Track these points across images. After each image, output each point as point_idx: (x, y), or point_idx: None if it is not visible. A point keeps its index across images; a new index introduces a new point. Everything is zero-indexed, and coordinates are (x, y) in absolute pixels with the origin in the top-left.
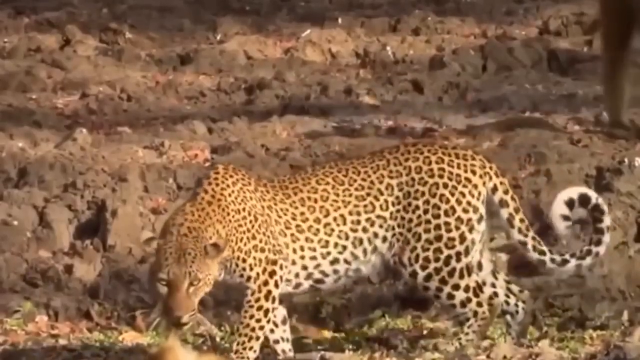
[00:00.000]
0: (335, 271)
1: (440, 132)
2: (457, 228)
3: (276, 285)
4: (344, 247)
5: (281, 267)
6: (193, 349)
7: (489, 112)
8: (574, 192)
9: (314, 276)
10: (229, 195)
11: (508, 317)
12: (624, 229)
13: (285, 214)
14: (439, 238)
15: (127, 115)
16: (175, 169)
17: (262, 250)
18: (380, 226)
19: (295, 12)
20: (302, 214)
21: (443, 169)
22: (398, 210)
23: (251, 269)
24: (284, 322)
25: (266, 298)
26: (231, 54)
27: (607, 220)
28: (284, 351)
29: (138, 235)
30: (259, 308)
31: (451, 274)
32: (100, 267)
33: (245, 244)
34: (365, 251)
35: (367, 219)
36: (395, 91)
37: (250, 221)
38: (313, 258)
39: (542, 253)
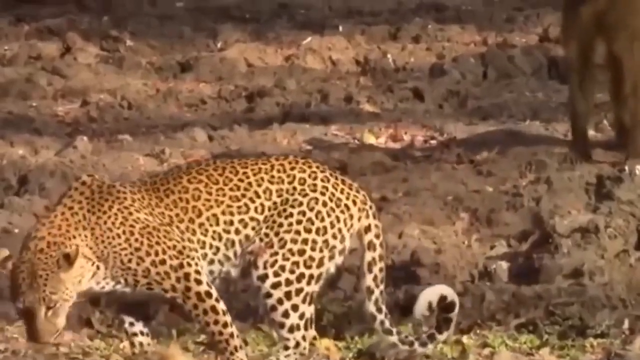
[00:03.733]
0: (211, 272)
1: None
2: (321, 250)
3: (198, 283)
4: (218, 249)
5: (189, 264)
6: (194, 356)
7: (490, 119)
8: (451, 294)
9: None
10: (107, 215)
11: None
12: (624, 237)
13: (163, 217)
14: (302, 252)
15: (127, 123)
16: None
17: (163, 262)
18: (253, 228)
19: (295, 19)
20: (177, 215)
21: (326, 188)
22: (272, 215)
23: (160, 284)
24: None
25: (201, 299)
26: (231, 62)
27: (443, 336)
28: (141, 344)
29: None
30: (205, 312)
31: (298, 292)
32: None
33: (138, 264)
34: (236, 254)
35: (241, 220)
36: (395, 99)
37: (136, 239)
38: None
39: (379, 311)
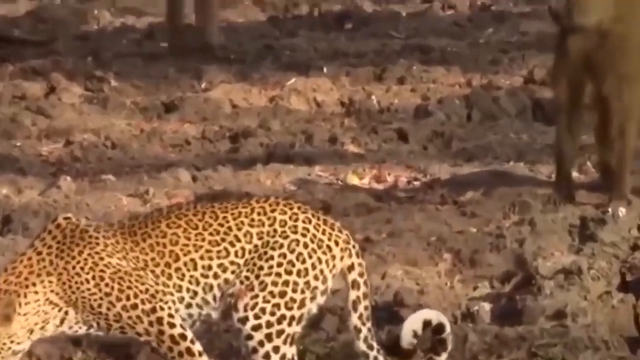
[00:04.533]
0: (190, 315)
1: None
2: (302, 292)
3: (171, 326)
4: (195, 293)
5: (162, 308)
6: None
7: (474, 161)
8: (435, 316)
9: None
10: (76, 260)
11: None
12: (607, 279)
13: (137, 262)
14: (283, 294)
15: (111, 162)
16: None
17: (134, 306)
18: (233, 272)
19: (280, 60)
20: (153, 259)
21: (307, 229)
22: (252, 258)
23: (133, 328)
24: None
25: (175, 342)
26: (216, 102)
27: (443, 357)
28: None
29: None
30: (180, 354)
31: (279, 334)
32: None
33: (108, 309)
34: (215, 297)
35: (220, 265)
36: (380, 140)
37: (107, 284)
38: (172, 302)
39: (370, 347)
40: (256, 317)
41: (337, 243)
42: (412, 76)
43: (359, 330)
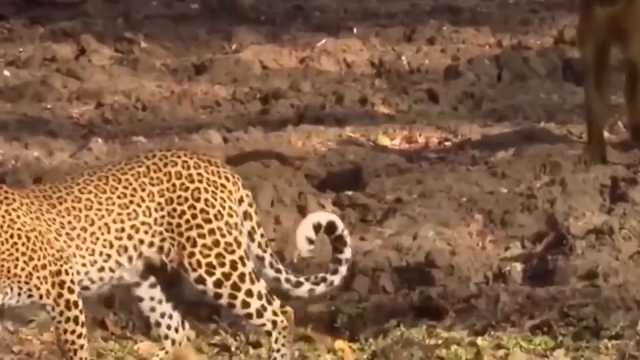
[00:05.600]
0: (101, 278)
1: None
2: (230, 232)
3: (70, 291)
4: (109, 256)
5: (67, 272)
6: (208, 358)
7: (504, 121)
8: (322, 217)
9: (83, 283)
10: None
11: (169, 342)
12: (638, 239)
13: (53, 223)
14: (216, 243)
15: (142, 124)
16: None
17: (44, 266)
18: (146, 232)
19: (310, 22)
20: (69, 222)
21: (201, 175)
22: (163, 217)
23: (38, 289)
24: None
25: (68, 308)
26: (246, 64)
27: (347, 253)
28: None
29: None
30: (67, 320)
31: (242, 279)
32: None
33: (22, 269)
34: (130, 258)
35: (132, 226)
36: (410, 101)
37: (23, 243)
38: (83, 265)
39: (278, 271)
40: (209, 274)
41: (227, 179)
42: (442, 37)
43: (262, 259)
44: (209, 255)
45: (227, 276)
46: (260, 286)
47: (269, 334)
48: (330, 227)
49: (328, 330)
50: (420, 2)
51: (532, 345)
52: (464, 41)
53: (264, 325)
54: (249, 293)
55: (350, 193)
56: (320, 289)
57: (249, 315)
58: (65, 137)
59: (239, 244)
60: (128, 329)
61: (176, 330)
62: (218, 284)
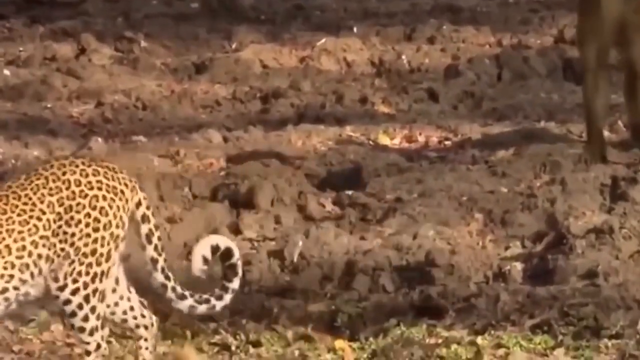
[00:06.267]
0: (6, 299)
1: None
2: (108, 244)
3: None
4: (11, 276)
5: None
6: (208, 357)
7: (504, 120)
8: (222, 241)
9: None
10: None
11: (142, 329)
12: (638, 238)
13: None
14: (93, 252)
15: (142, 124)
16: (190, 177)
17: None
18: (44, 246)
19: (310, 21)
20: None
21: (101, 181)
22: (60, 226)
23: None
24: None
25: None
26: (246, 63)
27: (235, 284)
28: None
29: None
30: None
31: (94, 293)
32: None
33: None
34: (32, 274)
35: (32, 242)
36: (410, 100)
37: None
38: None
39: (167, 278)
40: (74, 281)
41: (126, 185)
42: (442, 36)
43: (155, 261)
44: (83, 264)
45: (85, 286)
46: (101, 307)
47: (87, 353)
48: (227, 254)
49: (328, 330)
50: (421, 1)
51: (532, 345)
52: (464, 40)
53: (88, 344)
54: (93, 309)
55: (350, 192)
56: (201, 309)
57: (82, 329)
58: (65, 137)
59: (108, 258)
60: (127, 329)
61: (142, 316)
62: (75, 291)
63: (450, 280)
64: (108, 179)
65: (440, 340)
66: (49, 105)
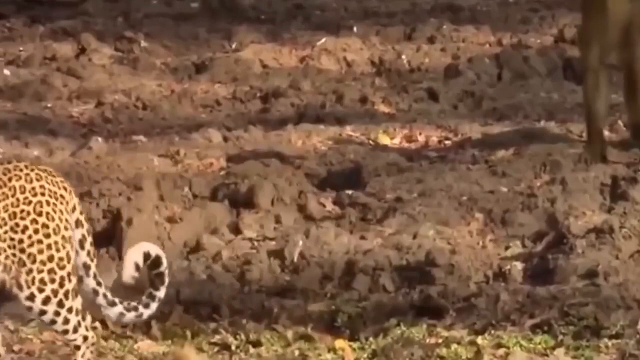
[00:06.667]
0: None
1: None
2: (64, 247)
3: None
4: None
5: None
6: (208, 357)
7: (505, 120)
8: (153, 249)
9: None
10: None
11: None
12: (639, 238)
13: None
14: (51, 258)
15: (142, 123)
16: (190, 177)
17: None
18: None
19: (310, 20)
20: None
21: (43, 187)
22: (6, 232)
23: None
24: None
25: None
26: (246, 63)
27: (162, 292)
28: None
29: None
30: None
31: (67, 295)
32: (115, 276)
33: None
34: None
35: None
36: (410, 99)
37: None
38: None
39: (99, 284)
40: (40, 290)
41: (65, 189)
42: (442, 35)
43: (88, 267)
44: (42, 271)
45: (55, 292)
46: (78, 302)
47: (77, 348)
48: (156, 262)
49: (328, 330)
50: (421, 1)
51: (533, 344)
52: (464, 40)
53: (75, 340)
54: (70, 310)
55: (350, 192)
56: (130, 316)
57: (66, 331)
58: (65, 136)
59: (69, 259)
60: (128, 327)
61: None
62: (46, 301)
63: (450, 280)
64: (49, 183)
65: (440, 340)
66: (49, 105)
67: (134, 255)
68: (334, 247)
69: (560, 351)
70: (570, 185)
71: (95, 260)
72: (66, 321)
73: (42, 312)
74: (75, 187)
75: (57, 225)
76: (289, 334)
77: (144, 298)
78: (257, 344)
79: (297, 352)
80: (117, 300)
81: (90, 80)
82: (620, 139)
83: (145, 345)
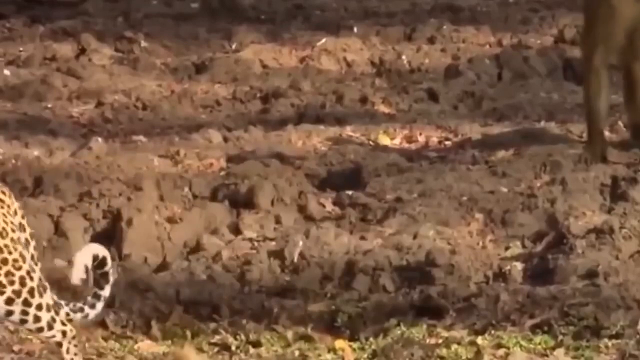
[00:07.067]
0: None
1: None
2: (15, 249)
3: None
4: None
5: None
6: (208, 357)
7: (505, 120)
8: (100, 250)
9: None
10: None
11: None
12: (638, 238)
13: None
14: (5, 261)
15: (142, 124)
16: (190, 177)
17: None
18: None
19: (310, 20)
20: None
21: None
22: None
23: None
24: None
25: None
26: (246, 63)
27: (106, 291)
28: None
29: (153, 245)
30: None
31: (32, 294)
32: (116, 276)
33: None
34: None
35: None
36: (410, 100)
37: None
38: None
39: (44, 287)
40: (1, 293)
41: (4, 193)
42: (442, 36)
43: (32, 270)
44: None
45: (17, 293)
46: (48, 298)
47: (59, 345)
48: (101, 263)
49: (328, 330)
50: (421, 1)
51: (533, 345)
52: (464, 40)
53: (54, 337)
54: (39, 307)
55: (350, 192)
56: (76, 317)
57: (40, 329)
58: (65, 136)
59: (24, 259)
60: (128, 328)
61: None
62: (9, 302)
63: (450, 280)
64: None
65: (440, 340)
66: (49, 105)
67: (83, 258)
68: (334, 247)
69: (560, 351)
70: (570, 186)
71: (39, 263)
72: (37, 319)
73: (9, 313)
74: (75, 187)
75: (3, 228)
76: (289, 334)
77: (89, 298)
78: (257, 344)
79: (297, 353)
80: (62, 302)
81: (90, 80)
82: (620, 139)
83: (145, 345)
